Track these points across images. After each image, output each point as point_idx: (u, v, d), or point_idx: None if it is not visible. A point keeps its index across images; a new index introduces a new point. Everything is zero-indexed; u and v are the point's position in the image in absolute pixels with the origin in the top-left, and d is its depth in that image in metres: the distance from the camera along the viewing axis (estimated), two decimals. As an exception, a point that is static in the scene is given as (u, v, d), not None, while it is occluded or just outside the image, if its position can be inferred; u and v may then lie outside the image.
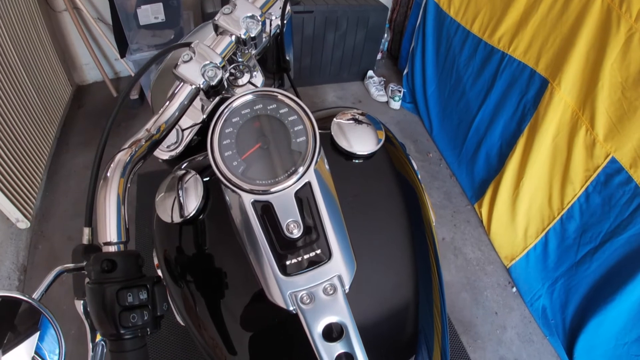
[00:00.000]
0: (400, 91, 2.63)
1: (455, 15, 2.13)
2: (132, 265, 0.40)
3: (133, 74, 2.47)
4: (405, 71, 2.68)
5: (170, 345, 1.50)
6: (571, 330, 1.61)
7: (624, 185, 1.43)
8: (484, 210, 2.02)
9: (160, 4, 2.06)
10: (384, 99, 2.71)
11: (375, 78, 2.78)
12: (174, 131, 0.63)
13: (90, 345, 0.43)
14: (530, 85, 1.75)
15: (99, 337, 0.43)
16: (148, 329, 0.39)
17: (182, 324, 0.60)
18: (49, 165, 2.03)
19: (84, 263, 0.43)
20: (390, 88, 2.66)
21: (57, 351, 0.42)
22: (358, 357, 0.44)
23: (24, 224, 1.69)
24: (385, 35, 2.93)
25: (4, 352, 0.40)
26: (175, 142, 0.64)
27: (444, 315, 0.58)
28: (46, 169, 1.97)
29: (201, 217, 0.55)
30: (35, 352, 0.41)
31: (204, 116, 0.63)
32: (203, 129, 0.65)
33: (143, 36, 2.17)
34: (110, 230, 0.41)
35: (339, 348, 0.44)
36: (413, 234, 0.58)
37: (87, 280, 0.40)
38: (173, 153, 0.65)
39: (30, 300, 0.41)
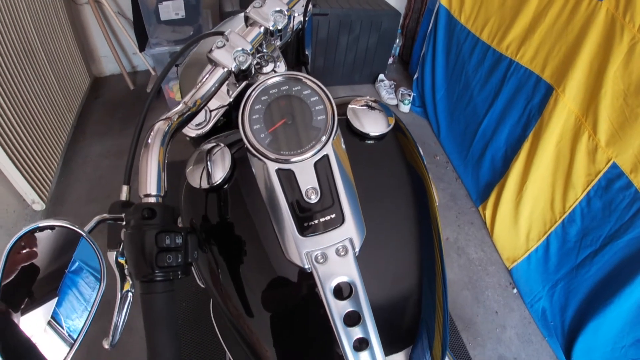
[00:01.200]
0: (410, 95, 2.69)
1: (466, 22, 2.19)
2: (169, 214, 0.45)
3: (151, 68, 2.57)
4: (415, 76, 2.75)
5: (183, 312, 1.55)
6: (570, 333, 1.63)
7: (624, 190, 1.46)
8: (488, 213, 2.06)
9: (182, 1, 2.14)
10: (394, 102, 2.77)
11: (386, 81, 2.83)
12: (202, 111, 0.68)
13: (118, 295, 0.47)
14: (536, 92, 1.80)
15: (126, 287, 0.47)
16: (179, 272, 0.43)
17: (201, 285, 0.63)
18: (65, 152, 2.09)
19: (122, 215, 0.47)
20: (400, 92, 2.72)
21: (99, 277, 0.46)
22: (365, 316, 0.48)
23: (39, 205, 1.75)
24: (397, 40, 3.00)
25: (53, 276, 0.45)
26: (204, 121, 0.69)
27: (445, 282, 0.63)
28: (62, 155, 2.03)
29: (226, 186, 0.59)
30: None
31: (231, 100, 0.68)
32: (228, 112, 0.71)
33: (163, 31, 2.24)
34: (150, 184, 0.45)
35: (347, 306, 0.48)
36: (418, 209, 0.62)
37: (124, 229, 0.44)
38: (200, 131, 0.69)
39: (82, 232, 0.45)
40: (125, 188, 0.50)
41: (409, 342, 0.56)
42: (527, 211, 1.87)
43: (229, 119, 0.72)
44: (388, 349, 0.50)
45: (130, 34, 2.39)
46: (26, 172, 1.65)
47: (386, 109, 0.66)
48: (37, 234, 0.43)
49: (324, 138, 0.53)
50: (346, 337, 0.48)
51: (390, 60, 3.00)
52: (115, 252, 0.47)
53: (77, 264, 0.46)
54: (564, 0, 1.62)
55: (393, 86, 2.82)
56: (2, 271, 0.42)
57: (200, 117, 0.68)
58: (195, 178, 0.58)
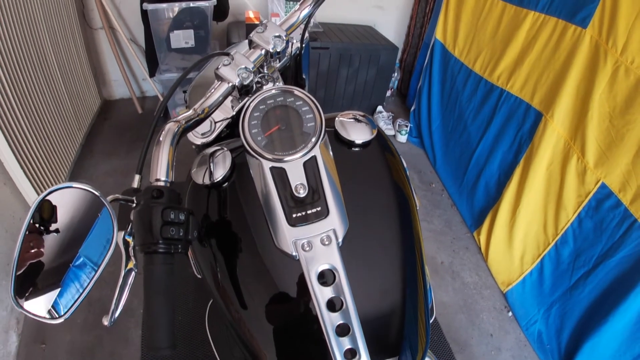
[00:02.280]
0: (407, 126, 2.79)
1: (459, 55, 2.31)
2: (174, 196, 0.51)
3: (159, 94, 2.69)
4: (412, 108, 2.86)
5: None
6: (567, 355, 1.62)
7: (614, 209, 1.49)
8: (482, 238, 2.08)
9: (192, 31, 2.29)
10: (392, 132, 2.87)
11: (384, 113, 2.94)
12: (208, 122, 0.75)
13: (122, 273, 0.52)
14: (526, 119, 1.88)
15: (130, 266, 0.52)
16: (180, 246, 0.49)
17: (197, 275, 0.69)
18: (73, 167, 2.16)
19: (133, 198, 0.52)
20: (398, 123, 2.82)
21: (111, 234, 0.51)
22: (347, 301, 0.53)
23: (45, 214, 1.79)
24: (395, 74, 3.14)
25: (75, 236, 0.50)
26: (208, 131, 0.76)
27: (424, 271, 0.67)
28: (70, 170, 2.10)
29: (226, 184, 0.66)
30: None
31: (234, 113, 0.75)
32: (230, 125, 0.78)
33: (173, 58, 2.37)
34: (160, 171, 0.52)
35: (330, 292, 0.54)
36: (399, 208, 0.68)
37: (134, 208, 0.50)
38: (205, 140, 0.77)
39: (104, 201, 0.50)
40: (137, 177, 0.55)
41: (388, 325, 0.60)
42: (520, 235, 1.89)
43: (231, 131, 0.79)
44: (370, 334, 0.54)
45: (141, 60, 2.52)
46: (35, 183, 1.70)
47: (370, 122, 0.74)
48: (65, 192, 0.50)
49: (312, 141, 0.61)
50: (329, 321, 0.53)
51: (389, 93, 3.12)
52: (123, 232, 0.52)
53: (95, 228, 0.51)
54: (550, 31, 1.72)
55: (391, 117, 2.92)
56: (30, 218, 0.49)
57: (205, 127, 0.75)
58: (199, 176, 0.65)
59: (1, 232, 1.55)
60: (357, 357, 0.53)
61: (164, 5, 2.20)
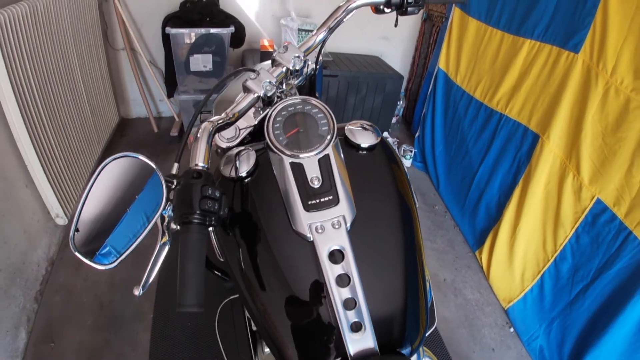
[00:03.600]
0: (411, 151, 2.89)
1: (461, 83, 2.44)
2: (210, 177, 0.59)
3: (175, 114, 2.82)
4: (417, 134, 2.97)
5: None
6: None
7: (609, 223, 1.53)
8: (484, 257, 2.13)
9: (210, 55, 2.44)
10: (396, 157, 2.95)
11: (390, 139, 3.05)
12: (234, 128, 0.85)
13: (157, 247, 0.61)
14: (524, 141, 1.96)
15: (164, 240, 0.61)
16: (213, 219, 0.57)
17: (220, 259, 0.77)
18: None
19: (173, 179, 0.61)
20: (403, 148, 2.93)
21: (161, 197, 0.59)
22: (354, 278, 0.62)
23: (61, 220, 1.87)
24: (401, 102, 3.28)
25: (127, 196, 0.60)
26: (233, 137, 0.85)
27: (422, 260, 0.75)
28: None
29: (249, 178, 0.75)
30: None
31: (256, 122, 0.85)
32: (253, 133, 0.88)
33: (191, 81, 2.52)
34: (199, 158, 0.62)
35: (339, 269, 0.63)
36: (400, 200, 0.77)
37: (174, 188, 0.59)
38: (230, 144, 0.86)
39: (156, 168, 0.59)
40: (176, 165, 0.64)
41: (392, 303, 0.67)
42: (520, 253, 1.94)
43: (252, 138, 0.88)
44: (375, 310, 0.63)
45: (160, 82, 2.68)
46: (56, 189, 1.80)
47: (376, 130, 0.84)
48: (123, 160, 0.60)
49: (326, 142, 0.72)
50: (338, 295, 0.62)
51: (394, 120, 3.25)
52: (161, 213, 0.60)
53: (144, 192, 0.61)
54: (545, 57, 1.83)
55: (396, 143, 3.04)
56: (95, 179, 0.59)
57: (231, 133, 0.84)
58: (226, 171, 0.74)
59: (20, 233, 1.64)
60: (363, 329, 0.61)
61: (185, 30, 2.37)
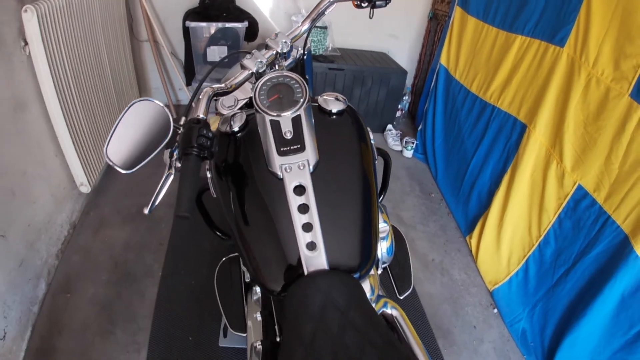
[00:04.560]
0: (413, 143, 3.02)
1: (460, 78, 2.56)
2: (207, 124, 0.76)
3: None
4: (419, 127, 3.09)
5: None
6: (549, 352, 1.69)
7: (589, 208, 1.61)
8: (474, 242, 2.23)
9: (226, 47, 2.64)
10: (399, 148, 3.11)
11: (394, 131, 3.19)
12: (233, 98, 1.03)
13: (164, 177, 0.79)
14: (514, 131, 2.06)
15: (169, 172, 0.79)
16: (206, 153, 0.74)
17: (214, 195, 0.97)
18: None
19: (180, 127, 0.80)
20: (405, 140, 3.06)
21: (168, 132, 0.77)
22: (311, 207, 0.81)
23: (85, 188, 2.08)
24: (407, 97, 3.41)
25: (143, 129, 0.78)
26: (232, 105, 1.03)
27: (376, 201, 0.93)
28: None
29: (240, 133, 0.93)
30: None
31: (251, 95, 1.00)
32: (246, 104, 1.06)
33: (207, 70, 2.72)
34: (200, 111, 0.80)
35: (301, 200, 0.82)
36: (359, 153, 0.95)
37: (180, 131, 0.76)
38: (229, 112, 1.03)
39: (166, 110, 0.78)
40: (183, 118, 0.81)
41: (343, 229, 0.85)
42: (507, 238, 2.02)
43: (250, 105, 1.07)
44: (328, 234, 0.81)
45: (179, 71, 2.89)
46: (82, 160, 1.99)
47: (345, 101, 1.01)
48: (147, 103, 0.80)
49: (298, 105, 0.86)
50: (299, 220, 0.80)
51: (399, 114, 3.37)
52: (169, 150, 0.80)
53: (159, 128, 0.79)
54: (534, 52, 1.94)
55: (399, 135, 3.17)
56: (126, 110, 0.78)
57: (230, 102, 1.02)
58: (224, 128, 0.93)
59: (47, 196, 1.84)
60: (316, 248, 0.79)
61: (204, 24, 2.58)
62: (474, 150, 2.37)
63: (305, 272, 0.78)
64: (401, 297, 1.42)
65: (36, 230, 1.74)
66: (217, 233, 1.28)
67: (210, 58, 2.67)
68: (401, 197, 2.66)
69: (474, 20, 2.43)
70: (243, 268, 1.21)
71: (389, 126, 3.23)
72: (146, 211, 0.77)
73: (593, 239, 1.59)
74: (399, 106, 3.31)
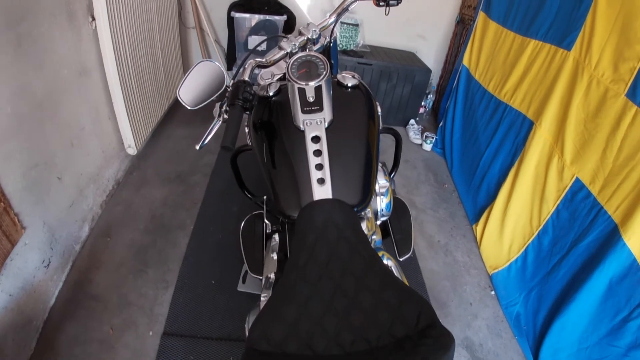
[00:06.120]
0: (433, 137, 3.19)
1: (479, 78, 2.71)
2: (250, 85, 0.99)
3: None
4: (440, 124, 3.25)
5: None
6: (540, 335, 1.78)
7: (585, 199, 1.71)
8: (479, 229, 2.37)
9: (264, 37, 2.89)
10: (419, 141, 3.29)
11: (416, 126, 3.37)
12: (270, 72, 1.26)
13: (214, 122, 1.04)
14: (522, 127, 2.19)
15: (218, 119, 1.04)
16: (248, 106, 0.97)
17: (249, 143, 1.25)
18: (157, 126, 2.75)
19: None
20: (425, 134, 3.24)
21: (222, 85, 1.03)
22: (324, 151, 1.04)
23: (132, 150, 2.36)
24: (431, 95, 3.61)
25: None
26: (269, 78, 1.25)
27: (377, 151, 1.18)
28: (155, 126, 2.69)
29: (274, 98, 1.17)
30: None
31: (284, 71, 1.22)
32: (281, 77, 1.28)
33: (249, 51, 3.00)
34: (245, 75, 1.03)
35: (316, 147, 1.05)
36: (366, 115, 1.18)
37: (230, 87, 1.01)
38: (266, 82, 1.27)
39: (221, 66, 1.05)
40: (232, 81, 1.04)
41: (348, 169, 1.09)
42: (510, 227, 2.14)
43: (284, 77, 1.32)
44: (333, 171, 1.05)
45: (222, 57, 3.17)
46: (132, 124, 2.28)
47: (359, 78, 1.24)
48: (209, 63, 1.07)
49: (320, 77, 1.05)
50: (313, 161, 1.04)
51: (422, 111, 3.56)
52: (220, 102, 1.05)
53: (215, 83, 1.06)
54: (545, 55, 2.08)
55: (420, 130, 3.34)
56: (194, 66, 1.06)
57: (268, 75, 1.25)
58: (262, 93, 1.17)
59: (99, 152, 2.13)
60: (324, 183, 1.02)
61: (247, 15, 2.84)
62: (487, 145, 2.52)
63: (314, 199, 1.02)
64: (401, 259, 1.60)
65: (86, 180, 2.00)
66: (245, 192, 1.53)
67: (251, 46, 2.93)
68: (416, 184, 2.84)
69: (494, 24, 2.59)
70: (266, 222, 1.42)
71: (412, 121, 3.41)
72: (197, 147, 1.03)
73: (586, 228, 1.68)
74: (423, 103, 3.48)
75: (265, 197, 1.40)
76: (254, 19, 2.89)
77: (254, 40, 2.92)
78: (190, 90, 1.05)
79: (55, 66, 1.70)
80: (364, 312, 0.80)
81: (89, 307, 1.70)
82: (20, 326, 1.46)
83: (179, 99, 1.04)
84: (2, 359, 1.35)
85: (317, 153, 1.03)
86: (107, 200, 2.23)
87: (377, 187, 1.35)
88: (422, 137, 3.27)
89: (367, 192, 1.08)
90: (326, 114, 1.06)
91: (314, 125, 1.05)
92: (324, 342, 0.77)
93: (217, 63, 1.06)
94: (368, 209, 1.28)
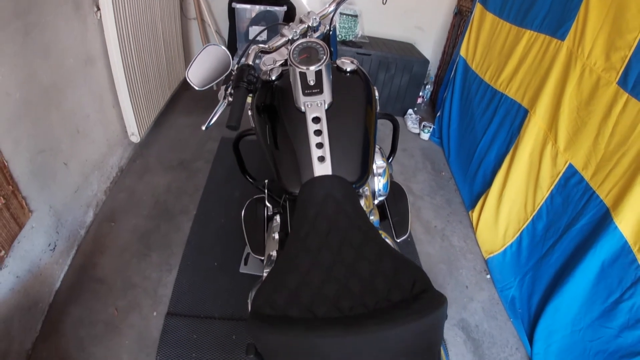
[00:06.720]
0: (430, 127, 3.24)
1: (476, 68, 2.75)
2: (253, 68, 1.05)
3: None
4: (438, 114, 3.29)
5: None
6: (535, 317, 1.81)
7: (577, 185, 1.75)
8: (475, 215, 2.41)
9: (265, 27, 2.93)
10: (416, 131, 3.34)
11: (414, 115, 3.42)
12: (272, 58, 1.31)
13: (220, 102, 1.11)
14: (517, 116, 2.24)
15: (223, 102, 1.11)
16: (252, 88, 1.03)
17: (252, 125, 1.28)
18: (159, 116, 2.79)
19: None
20: (423, 124, 3.28)
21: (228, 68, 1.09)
22: (324, 131, 1.08)
23: (135, 138, 2.40)
24: (429, 86, 3.65)
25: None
26: (271, 63, 1.31)
27: (374, 131, 1.22)
28: (158, 115, 2.73)
29: (276, 82, 1.22)
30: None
31: (286, 57, 1.27)
32: (282, 63, 1.33)
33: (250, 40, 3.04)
34: (249, 59, 1.09)
35: (316, 127, 1.09)
36: (363, 98, 1.23)
37: (235, 71, 1.06)
38: (269, 67, 1.32)
39: (226, 51, 1.10)
40: (237, 65, 1.10)
41: (348, 148, 1.14)
42: (505, 212, 2.19)
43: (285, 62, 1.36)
44: (332, 149, 1.10)
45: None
46: (135, 112, 2.32)
47: (357, 64, 1.29)
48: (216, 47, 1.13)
49: (320, 62, 1.10)
50: (314, 140, 1.08)
51: (420, 101, 3.61)
52: (225, 85, 1.11)
53: (221, 66, 1.12)
54: (539, 45, 2.12)
55: (418, 119, 3.39)
56: (202, 50, 1.11)
57: (270, 61, 1.31)
58: (265, 77, 1.23)
59: (103, 140, 2.17)
60: (324, 160, 1.07)
61: (248, 6, 2.88)
62: (483, 133, 2.57)
63: (314, 176, 1.07)
64: (398, 240, 1.65)
65: (91, 166, 2.05)
66: (247, 177, 1.58)
67: (251, 36, 2.97)
68: (414, 172, 2.89)
69: (491, 16, 2.63)
70: (267, 204, 1.47)
71: (410, 111, 3.46)
72: (203, 127, 1.10)
73: (579, 212, 1.72)
74: (421, 94, 3.53)
75: (266, 181, 1.46)
76: (255, 9, 2.93)
77: (254, 31, 2.96)
78: (198, 72, 1.11)
79: (61, 55, 1.74)
80: (362, 280, 0.85)
81: (94, 290, 1.75)
82: (26, 308, 1.50)
83: (187, 79, 1.10)
84: (9, 341, 1.38)
85: (318, 133, 1.08)
86: (111, 187, 2.28)
87: (374, 167, 1.40)
88: (420, 126, 3.32)
89: (365, 170, 1.13)
90: (326, 97, 1.11)
91: (315, 107, 1.09)
92: (324, 307, 0.81)
93: (223, 47, 1.11)
94: (366, 187, 1.34)
